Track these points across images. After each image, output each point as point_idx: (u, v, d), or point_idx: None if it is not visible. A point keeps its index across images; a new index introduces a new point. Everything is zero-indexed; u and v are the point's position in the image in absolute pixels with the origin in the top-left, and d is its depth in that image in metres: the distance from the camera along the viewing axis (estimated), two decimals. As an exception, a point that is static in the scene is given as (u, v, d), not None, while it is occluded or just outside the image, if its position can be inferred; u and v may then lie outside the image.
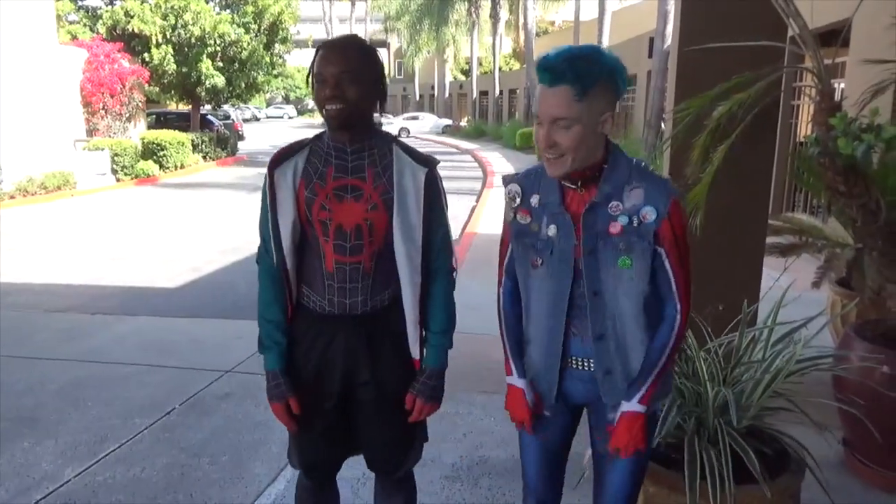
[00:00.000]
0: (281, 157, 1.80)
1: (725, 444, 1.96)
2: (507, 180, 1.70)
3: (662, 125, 11.47)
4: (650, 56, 15.61)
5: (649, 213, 1.50)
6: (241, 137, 25.70)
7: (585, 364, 1.63)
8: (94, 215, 11.53)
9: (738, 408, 2.02)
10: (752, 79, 2.94)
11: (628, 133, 20.15)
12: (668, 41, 12.97)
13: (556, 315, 1.61)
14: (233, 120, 26.42)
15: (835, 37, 4.55)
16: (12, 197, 12.69)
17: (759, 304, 3.05)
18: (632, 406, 1.58)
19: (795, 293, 2.53)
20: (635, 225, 1.51)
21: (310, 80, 1.73)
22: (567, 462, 1.84)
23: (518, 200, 1.64)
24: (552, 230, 1.58)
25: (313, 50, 1.73)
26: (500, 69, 35.72)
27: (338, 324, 1.81)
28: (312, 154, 1.79)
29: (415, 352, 1.85)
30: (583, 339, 1.61)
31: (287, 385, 1.84)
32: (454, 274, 1.89)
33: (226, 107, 26.39)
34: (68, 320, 5.56)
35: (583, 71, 1.41)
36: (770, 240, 3.64)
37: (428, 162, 1.81)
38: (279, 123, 53.24)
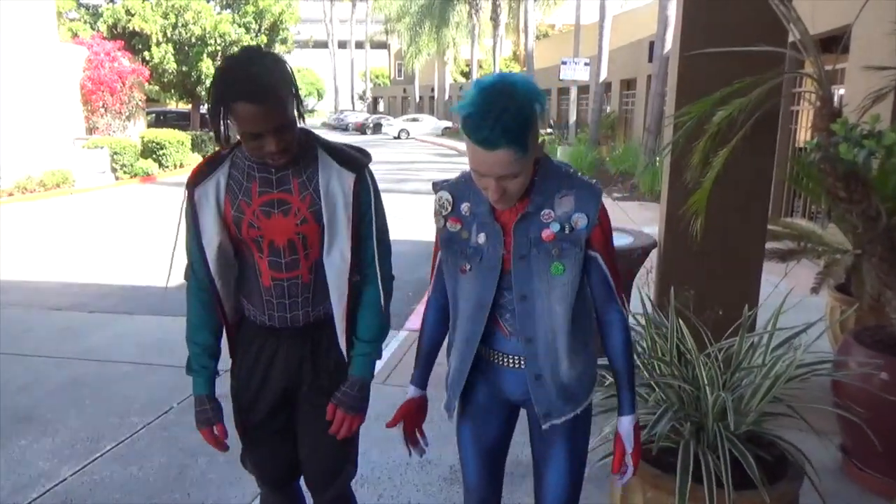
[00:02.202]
0: (200, 175, 1.68)
1: (724, 449, 1.96)
2: (437, 187, 1.68)
3: (662, 130, 11.49)
4: (650, 60, 15.64)
5: (580, 220, 1.53)
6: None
7: (518, 362, 1.65)
8: (93, 214, 11.51)
9: (737, 413, 2.02)
10: (753, 84, 2.95)
11: (628, 138, 20.20)
12: (668, 46, 13.00)
13: (478, 321, 1.63)
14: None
15: (835, 43, 4.58)
16: (11, 194, 12.68)
17: (759, 310, 3.06)
18: (633, 418, 1.62)
19: (795, 298, 2.53)
20: (567, 232, 1.53)
21: (223, 124, 1.56)
22: (506, 460, 1.85)
23: (449, 208, 1.63)
24: (482, 238, 1.59)
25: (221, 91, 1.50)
26: (500, 71, 35.68)
27: (280, 336, 1.77)
28: (234, 168, 1.68)
29: (347, 360, 1.81)
30: (518, 339, 1.62)
31: (214, 410, 1.80)
32: (390, 281, 1.83)
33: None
34: (66, 318, 5.55)
35: (517, 133, 1.36)
36: (769, 245, 3.65)
37: (356, 165, 1.70)
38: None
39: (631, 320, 2.63)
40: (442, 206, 1.64)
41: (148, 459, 3.22)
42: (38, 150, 13.63)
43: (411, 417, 1.80)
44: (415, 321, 5.44)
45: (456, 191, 1.63)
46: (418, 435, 1.83)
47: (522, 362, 1.63)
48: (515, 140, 1.36)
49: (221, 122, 1.55)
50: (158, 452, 3.27)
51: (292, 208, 1.66)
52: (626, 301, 1.66)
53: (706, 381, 2.12)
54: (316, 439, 1.85)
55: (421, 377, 1.80)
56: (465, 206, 1.61)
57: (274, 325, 1.75)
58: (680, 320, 2.41)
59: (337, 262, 1.70)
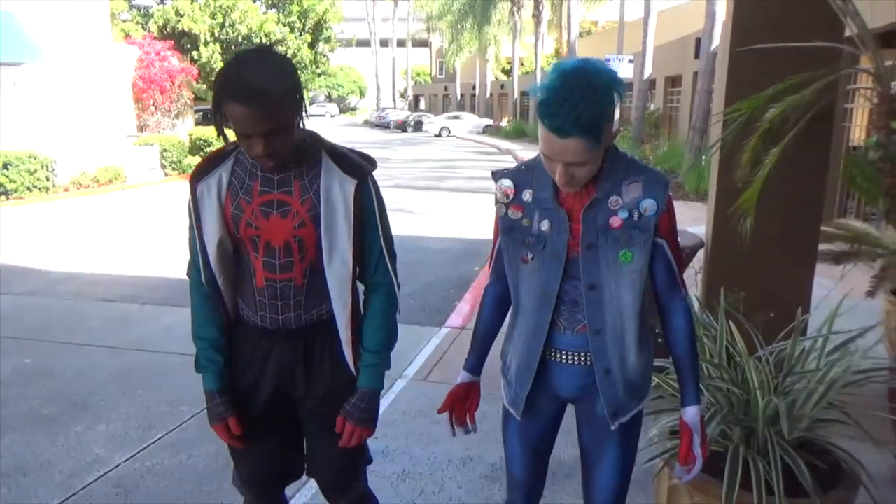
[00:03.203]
0: (204, 170, 1.68)
1: (776, 456, 1.91)
2: (497, 175, 1.67)
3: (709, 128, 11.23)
4: (696, 57, 15.31)
5: (649, 206, 1.52)
6: None
7: (574, 357, 1.62)
8: (144, 208, 11.85)
9: (789, 418, 1.97)
10: (807, 80, 2.87)
11: (672, 136, 19.82)
12: (716, 42, 12.71)
13: (544, 311, 1.61)
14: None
15: (895, 38, 4.41)
16: (67, 190, 13.14)
17: (812, 314, 2.97)
18: (699, 408, 1.62)
19: (850, 302, 2.45)
20: (636, 218, 1.52)
21: (220, 122, 1.56)
22: (551, 455, 1.84)
23: (510, 196, 1.62)
24: (545, 225, 1.57)
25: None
26: (541, 69, 35.51)
27: (273, 338, 1.74)
28: (237, 165, 1.68)
29: (354, 371, 1.77)
30: (573, 332, 1.61)
31: (226, 405, 1.76)
32: (396, 289, 1.79)
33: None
34: (118, 310, 5.73)
35: (591, 123, 1.35)
36: (822, 247, 3.54)
37: (358, 172, 1.66)
38: (322, 122, 53.89)
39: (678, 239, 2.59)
40: (504, 194, 1.63)
41: (196, 448, 3.30)
42: (92, 147, 14.09)
43: (461, 402, 1.80)
44: (455, 318, 5.45)
45: (517, 178, 1.62)
46: (468, 419, 1.82)
47: (577, 358, 1.62)
48: (589, 130, 1.36)
49: (219, 118, 1.54)
50: (206, 442, 3.35)
51: (291, 210, 1.64)
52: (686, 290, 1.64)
53: (757, 385, 2.07)
54: (324, 449, 1.83)
55: (474, 363, 1.80)
56: (527, 194, 1.60)
57: (266, 327, 1.73)
58: (730, 322, 2.36)
59: (338, 269, 1.67)
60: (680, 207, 11.10)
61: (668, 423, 2.20)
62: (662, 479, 2.17)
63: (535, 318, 1.62)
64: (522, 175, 1.62)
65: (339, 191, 1.64)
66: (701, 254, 3.63)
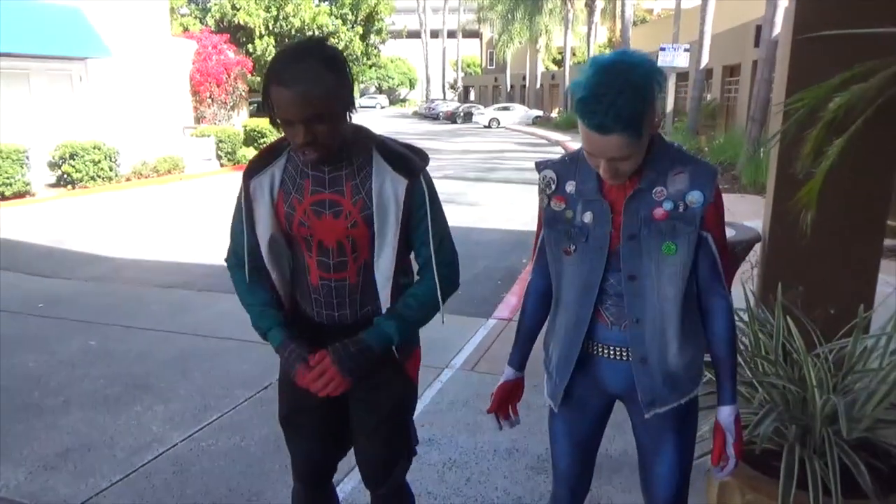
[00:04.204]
0: (257, 166, 1.67)
1: (833, 456, 1.85)
2: (541, 166, 1.65)
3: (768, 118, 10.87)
4: (756, 45, 14.82)
5: (696, 198, 1.47)
6: None
7: (619, 353, 1.60)
8: (201, 198, 12.22)
9: (848, 418, 1.90)
10: (874, 69, 2.75)
11: (729, 127, 19.27)
12: (777, 29, 12.26)
13: (586, 304, 1.59)
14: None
15: (972, 23, 4.17)
16: (128, 179, 13.64)
17: (874, 312, 2.86)
18: (734, 409, 1.58)
19: (917, 300, 2.35)
20: (681, 210, 1.48)
21: (269, 110, 1.54)
22: (598, 450, 1.82)
23: (553, 187, 1.60)
24: (588, 217, 1.55)
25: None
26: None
27: (330, 333, 1.72)
28: (289, 162, 1.67)
29: (402, 358, 1.76)
30: (620, 327, 1.58)
31: (301, 347, 1.69)
32: (450, 281, 1.73)
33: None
34: (177, 295, 5.94)
35: (630, 118, 1.33)
36: (888, 242, 3.40)
37: (411, 170, 1.63)
38: (372, 113, 54.37)
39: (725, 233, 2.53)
40: (546, 185, 1.62)
41: (249, 430, 3.40)
42: (152, 138, 14.59)
43: (507, 399, 1.82)
44: (503, 310, 5.45)
45: (561, 169, 1.61)
46: (511, 411, 1.84)
47: (625, 353, 1.59)
48: (629, 126, 1.33)
49: (268, 107, 1.53)
50: (259, 425, 3.45)
51: (343, 211, 1.63)
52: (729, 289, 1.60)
53: (815, 383, 2.01)
54: (369, 435, 1.84)
55: (519, 358, 1.81)
56: (570, 185, 1.59)
57: (322, 322, 1.74)
58: (787, 318, 2.29)
59: (384, 267, 1.67)
60: (736, 200, 10.80)
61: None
62: (713, 475, 2.13)
63: (577, 312, 1.61)
64: (566, 167, 1.61)
65: (390, 190, 1.61)
66: (757, 248, 3.53)
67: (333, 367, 1.62)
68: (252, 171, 1.67)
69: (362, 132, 1.66)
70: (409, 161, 1.64)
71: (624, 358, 1.60)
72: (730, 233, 3.73)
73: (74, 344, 4.67)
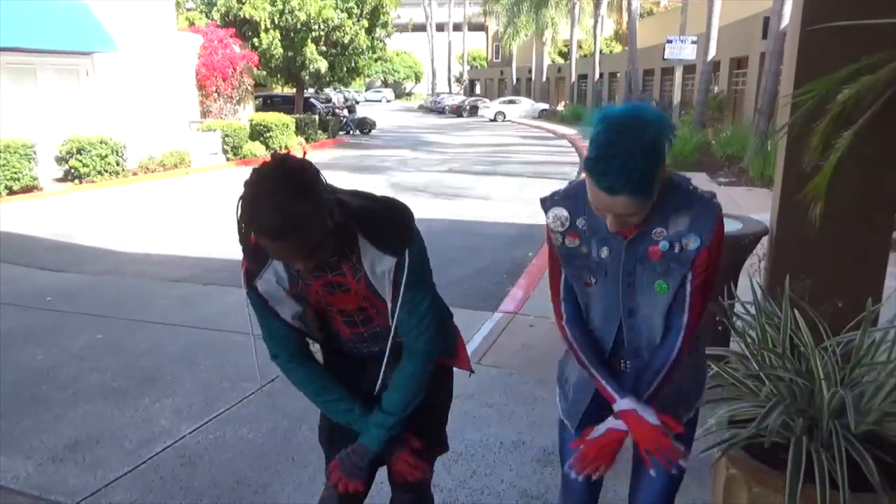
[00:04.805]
0: (254, 270, 1.64)
1: (841, 449, 1.85)
2: (548, 203, 1.62)
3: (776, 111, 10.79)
4: (764, 37, 14.71)
5: (692, 241, 1.48)
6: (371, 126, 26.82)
7: (627, 366, 1.65)
8: (207, 192, 12.25)
9: (856, 411, 1.90)
10: (883, 60, 2.72)
11: (736, 119, 19.16)
12: (785, 21, 12.16)
13: (607, 332, 1.63)
14: (334, 103, 27.30)
15: (984, 13, 4.12)
16: (135, 174, 13.68)
17: (882, 305, 2.85)
18: (631, 401, 1.55)
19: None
20: (676, 251, 1.49)
21: (245, 236, 1.56)
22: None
23: (566, 224, 1.59)
24: (605, 252, 1.56)
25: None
26: (600, 52, 34.79)
27: (368, 359, 1.84)
28: None
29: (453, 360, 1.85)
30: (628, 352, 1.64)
31: (367, 471, 1.77)
32: (429, 359, 1.72)
33: (328, 90, 27.34)
34: (183, 289, 5.96)
35: (641, 182, 1.32)
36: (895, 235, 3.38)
37: (394, 251, 1.61)
38: (378, 107, 54.32)
39: (739, 308, 2.52)
40: (558, 223, 1.60)
41: (256, 423, 3.42)
42: (158, 132, 14.61)
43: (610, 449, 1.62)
44: (508, 304, 5.45)
45: (569, 206, 1.59)
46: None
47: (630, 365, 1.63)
48: (639, 190, 1.34)
49: (247, 239, 1.55)
50: (266, 417, 3.47)
51: (351, 289, 1.68)
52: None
53: (822, 376, 2.00)
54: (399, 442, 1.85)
55: (619, 387, 1.59)
56: (580, 221, 1.57)
57: (360, 354, 1.83)
58: (795, 311, 2.28)
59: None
60: (743, 193, 10.76)
61: (727, 413, 2.16)
62: (719, 468, 2.13)
63: (602, 331, 1.64)
64: (573, 202, 1.58)
65: (382, 267, 1.63)
66: (765, 241, 3.51)
67: (343, 476, 1.73)
68: (252, 275, 1.65)
69: (346, 214, 1.57)
70: (392, 243, 1.62)
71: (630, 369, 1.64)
72: (737, 225, 3.71)
73: (82, 337, 4.70)
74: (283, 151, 1.48)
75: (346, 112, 27.03)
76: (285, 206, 1.39)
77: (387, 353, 1.75)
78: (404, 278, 1.61)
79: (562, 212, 1.58)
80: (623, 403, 1.57)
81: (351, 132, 26.02)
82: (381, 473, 1.89)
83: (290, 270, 1.66)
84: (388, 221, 1.63)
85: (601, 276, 1.57)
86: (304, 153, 1.55)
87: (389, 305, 1.66)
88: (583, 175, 1.46)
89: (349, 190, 1.67)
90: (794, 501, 1.82)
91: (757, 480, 1.98)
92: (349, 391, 1.78)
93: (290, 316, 1.71)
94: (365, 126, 26.37)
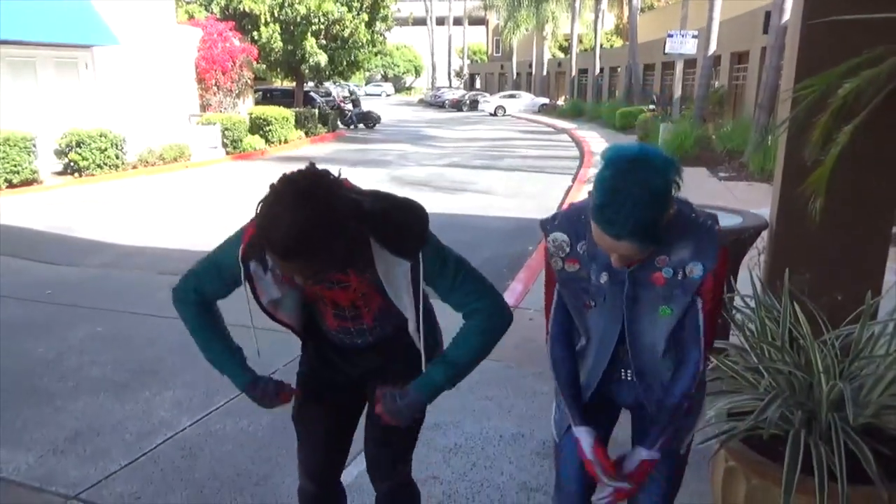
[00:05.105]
0: (254, 251, 1.62)
1: (839, 441, 1.85)
2: (548, 227, 1.61)
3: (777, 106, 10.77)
4: (765, 32, 14.66)
5: (695, 269, 1.49)
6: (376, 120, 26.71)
7: (631, 375, 1.67)
8: (207, 186, 12.23)
9: (855, 404, 1.90)
10: (884, 54, 2.72)
11: (737, 114, 19.14)
12: (786, 15, 12.13)
13: (602, 355, 1.65)
14: (334, 97, 27.24)
15: None
16: (135, 167, 13.66)
17: (881, 300, 2.85)
18: (650, 454, 1.57)
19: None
20: (679, 278, 1.51)
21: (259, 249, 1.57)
22: None
23: (567, 249, 1.59)
24: (604, 278, 1.57)
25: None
26: (600, 46, 34.71)
27: (346, 349, 1.85)
28: None
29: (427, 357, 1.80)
30: (632, 373, 1.66)
31: (270, 386, 1.85)
32: (493, 314, 1.66)
33: (327, 84, 27.27)
34: (183, 283, 5.96)
35: (647, 229, 1.34)
36: (895, 230, 3.38)
37: (409, 253, 1.59)
38: (378, 101, 54.24)
39: (739, 301, 2.52)
40: (559, 248, 1.60)
41: (256, 416, 3.42)
42: (158, 126, 14.59)
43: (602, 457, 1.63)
44: (509, 297, 5.45)
45: (570, 230, 1.60)
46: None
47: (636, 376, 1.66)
48: (646, 238, 1.36)
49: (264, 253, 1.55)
50: (265, 410, 3.47)
51: (351, 286, 1.69)
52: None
53: (821, 369, 2.01)
54: (379, 429, 1.85)
55: (580, 414, 1.65)
56: (580, 246, 1.58)
57: (340, 344, 1.85)
58: (794, 304, 2.29)
59: (410, 324, 1.71)
60: (743, 188, 10.75)
61: (726, 405, 2.16)
62: (718, 461, 2.14)
63: (594, 360, 1.67)
64: (573, 226, 1.59)
65: (397, 271, 1.62)
66: (765, 234, 3.51)
67: (383, 411, 1.67)
68: (250, 254, 1.64)
69: (358, 218, 1.51)
70: (405, 240, 1.60)
71: (634, 379, 1.67)
72: (737, 220, 3.72)
73: (82, 330, 4.70)
74: (320, 168, 1.45)
75: (350, 106, 26.98)
76: (301, 230, 1.36)
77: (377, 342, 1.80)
78: (423, 274, 1.60)
79: (563, 237, 1.59)
80: (580, 431, 1.61)
81: (355, 126, 25.97)
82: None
83: None
84: (402, 226, 1.60)
85: (600, 301, 1.60)
86: (339, 174, 1.53)
87: (407, 304, 1.65)
88: (587, 191, 1.48)
89: (369, 191, 1.64)
90: (791, 493, 1.83)
91: (755, 472, 1.99)
92: (226, 342, 1.86)
93: (265, 299, 1.70)
94: (370, 120, 26.27)
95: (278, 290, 1.70)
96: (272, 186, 1.42)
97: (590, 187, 1.49)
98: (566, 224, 1.59)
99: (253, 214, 1.46)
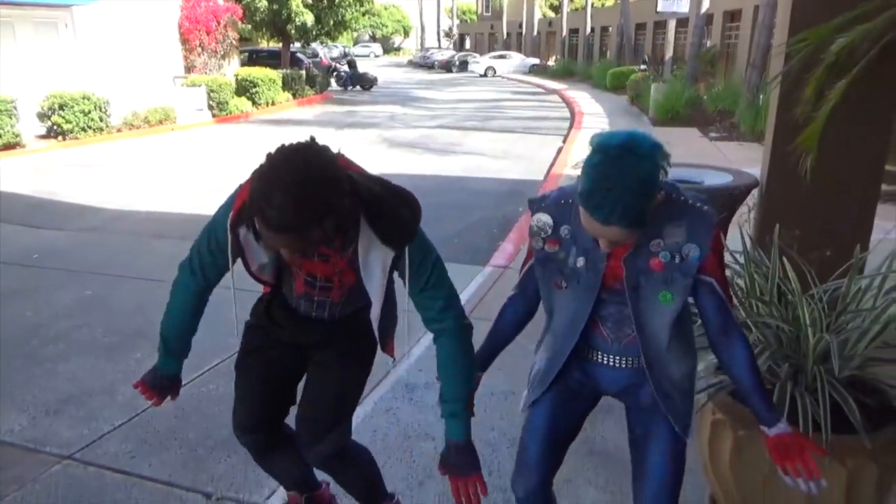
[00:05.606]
0: (243, 218, 1.61)
1: (825, 392, 1.88)
2: (534, 207, 1.63)
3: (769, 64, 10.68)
4: (759, -11, 14.47)
5: (692, 251, 1.49)
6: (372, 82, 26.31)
7: (619, 361, 1.66)
8: (194, 149, 12.07)
9: (841, 357, 1.93)
10: (879, 8, 2.68)
11: (728, 74, 19.00)
12: (781, -28, 11.93)
13: (570, 335, 1.65)
14: (321, 58, 26.76)
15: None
16: (119, 130, 13.44)
17: (868, 256, 2.87)
18: (785, 428, 1.56)
19: (912, 243, 2.36)
20: (677, 261, 1.50)
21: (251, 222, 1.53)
22: (580, 439, 1.85)
23: (548, 231, 1.60)
24: (580, 262, 1.57)
25: None
26: (591, 5, 34.16)
27: (301, 318, 1.87)
28: None
29: (380, 340, 1.88)
30: (620, 343, 1.63)
31: (173, 387, 2.01)
32: (461, 329, 1.70)
33: (314, 45, 26.75)
34: (170, 246, 5.90)
35: (635, 215, 1.34)
36: (885, 188, 3.38)
37: (397, 243, 1.60)
38: (366, 62, 53.41)
39: (728, 258, 2.53)
40: (541, 229, 1.61)
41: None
42: (141, 88, 14.30)
43: None
44: (499, 258, 5.46)
45: (555, 213, 1.60)
46: None
47: (625, 362, 1.65)
48: (634, 223, 1.35)
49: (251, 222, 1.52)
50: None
51: (331, 260, 1.69)
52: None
53: (808, 323, 2.03)
54: (312, 393, 1.91)
55: (481, 362, 1.81)
56: (564, 229, 1.59)
57: (297, 310, 1.87)
58: (783, 260, 2.30)
59: (372, 311, 1.75)
60: (734, 148, 10.74)
61: (714, 359, 2.18)
62: (705, 413, 2.18)
63: (562, 341, 1.67)
64: (560, 209, 1.60)
65: (377, 257, 1.63)
66: (755, 193, 3.52)
67: (463, 479, 1.65)
68: (238, 222, 1.63)
69: (353, 195, 1.52)
70: (397, 232, 1.61)
71: (623, 365, 1.65)
72: (727, 178, 3.71)
73: (71, 294, 4.68)
74: (318, 141, 1.44)
75: (346, 67, 26.48)
76: (295, 205, 1.35)
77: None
78: (408, 271, 1.62)
79: (546, 219, 1.60)
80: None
81: (351, 88, 25.55)
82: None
83: None
84: (396, 216, 1.60)
85: (573, 283, 1.60)
86: (338, 152, 1.53)
87: (376, 289, 1.68)
88: (578, 170, 1.46)
89: (367, 174, 1.63)
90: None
91: (742, 424, 2.02)
92: (185, 342, 1.97)
93: (255, 265, 1.72)
94: (366, 82, 25.79)
95: (266, 255, 1.70)
96: (268, 157, 1.40)
97: (580, 151, 1.47)
98: (552, 206, 1.61)
99: (246, 181, 1.46)
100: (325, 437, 1.91)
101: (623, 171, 1.31)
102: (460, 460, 1.67)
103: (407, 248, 1.61)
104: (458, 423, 1.69)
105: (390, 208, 1.59)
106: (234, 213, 1.61)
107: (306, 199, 1.35)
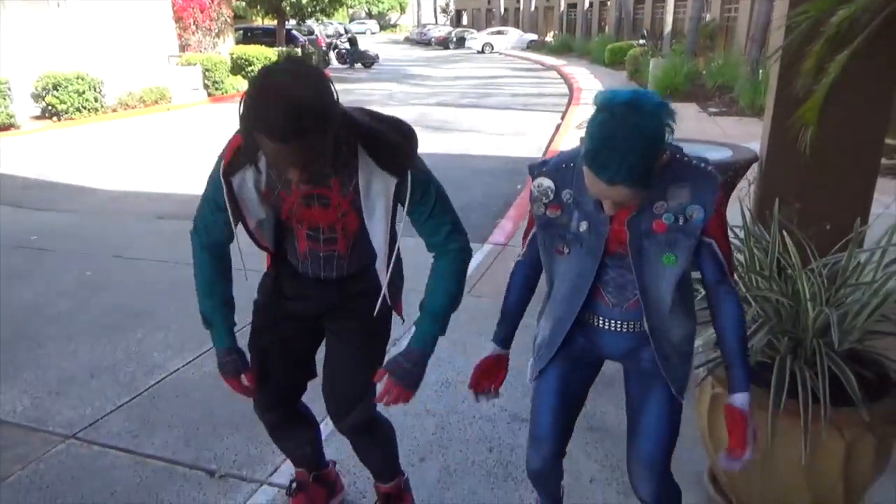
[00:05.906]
0: (235, 166, 1.60)
1: (824, 365, 1.89)
2: (535, 172, 1.61)
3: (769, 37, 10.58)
4: (759, -39, 14.28)
5: (696, 212, 1.48)
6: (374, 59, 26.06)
7: (621, 326, 1.65)
8: (190, 128, 11.98)
9: (840, 330, 1.93)
10: (882, -22, 2.65)
11: (728, 48, 18.83)
12: (782, -57, 11.78)
13: (574, 302, 1.64)
14: (316, 35, 26.47)
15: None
16: (114, 110, 13.34)
17: (867, 229, 2.87)
18: (744, 400, 1.57)
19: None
20: (681, 223, 1.49)
21: (248, 137, 1.47)
22: (580, 414, 1.84)
23: (550, 196, 1.58)
24: (583, 226, 1.56)
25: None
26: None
27: (310, 281, 1.83)
28: None
29: (392, 304, 1.85)
30: (622, 308, 1.62)
31: (241, 359, 1.87)
32: (464, 255, 1.76)
33: (310, 22, 26.44)
34: (169, 226, 5.91)
35: (640, 174, 1.32)
36: (885, 162, 3.37)
37: (397, 170, 1.59)
38: (362, 39, 52.84)
39: (728, 233, 2.53)
40: (542, 194, 1.59)
41: (248, 356, 3.45)
42: (136, 67, 14.15)
43: (489, 374, 1.82)
44: (498, 235, 5.46)
45: (557, 177, 1.58)
46: (492, 388, 1.84)
47: (627, 326, 1.64)
48: (639, 182, 1.33)
49: (250, 140, 1.47)
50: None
51: (332, 202, 1.65)
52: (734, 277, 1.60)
53: (808, 296, 2.03)
54: (335, 365, 1.89)
55: (504, 336, 1.81)
56: (566, 194, 1.57)
57: (306, 273, 1.82)
58: (783, 234, 2.30)
59: (378, 248, 1.72)
60: (733, 123, 10.68)
61: (713, 334, 2.19)
62: (705, 387, 2.19)
63: (565, 307, 1.66)
64: (561, 173, 1.58)
65: (378, 187, 1.61)
66: (755, 167, 3.50)
67: (398, 386, 1.71)
68: (231, 170, 1.61)
69: (348, 124, 1.54)
70: (395, 157, 1.60)
71: (626, 330, 1.64)
72: (727, 153, 3.70)
73: (71, 275, 4.68)
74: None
75: (347, 45, 26.22)
76: (299, 106, 1.32)
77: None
78: (409, 197, 1.61)
79: (548, 183, 1.59)
80: (495, 348, 1.78)
81: (352, 66, 25.31)
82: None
83: (272, 175, 1.63)
84: (393, 142, 1.60)
85: (576, 247, 1.59)
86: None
87: (380, 228, 1.66)
88: (580, 134, 1.44)
89: (357, 107, 1.63)
90: (777, 414, 1.88)
91: (741, 398, 2.03)
92: (222, 312, 1.88)
93: (253, 221, 1.70)
94: (367, 59, 25.59)
95: (262, 210, 1.68)
96: (255, 80, 1.38)
97: (579, 128, 1.46)
98: (553, 171, 1.59)
99: (234, 135, 1.45)
100: (352, 409, 1.93)
101: (628, 128, 1.29)
102: (411, 372, 1.72)
103: (410, 175, 1.60)
104: (432, 335, 1.74)
105: (385, 134, 1.59)
106: (226, 162, 1.61)
107: (308, 101, 1.34)
